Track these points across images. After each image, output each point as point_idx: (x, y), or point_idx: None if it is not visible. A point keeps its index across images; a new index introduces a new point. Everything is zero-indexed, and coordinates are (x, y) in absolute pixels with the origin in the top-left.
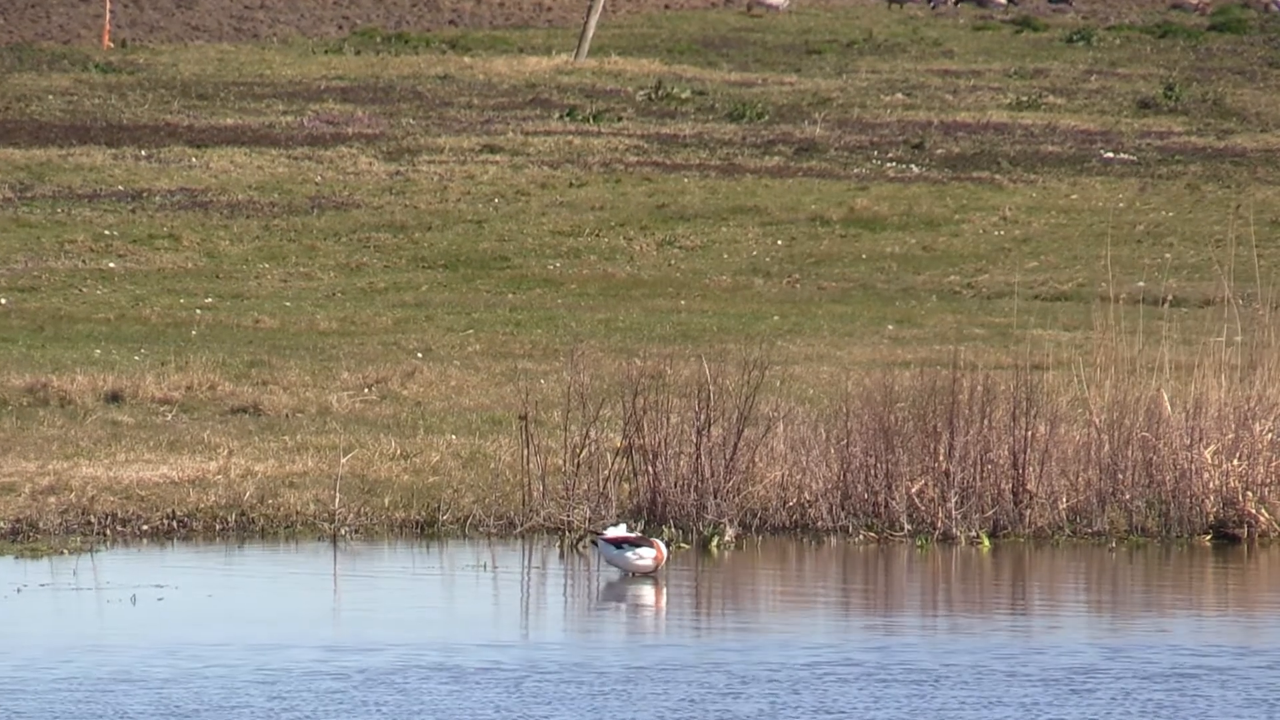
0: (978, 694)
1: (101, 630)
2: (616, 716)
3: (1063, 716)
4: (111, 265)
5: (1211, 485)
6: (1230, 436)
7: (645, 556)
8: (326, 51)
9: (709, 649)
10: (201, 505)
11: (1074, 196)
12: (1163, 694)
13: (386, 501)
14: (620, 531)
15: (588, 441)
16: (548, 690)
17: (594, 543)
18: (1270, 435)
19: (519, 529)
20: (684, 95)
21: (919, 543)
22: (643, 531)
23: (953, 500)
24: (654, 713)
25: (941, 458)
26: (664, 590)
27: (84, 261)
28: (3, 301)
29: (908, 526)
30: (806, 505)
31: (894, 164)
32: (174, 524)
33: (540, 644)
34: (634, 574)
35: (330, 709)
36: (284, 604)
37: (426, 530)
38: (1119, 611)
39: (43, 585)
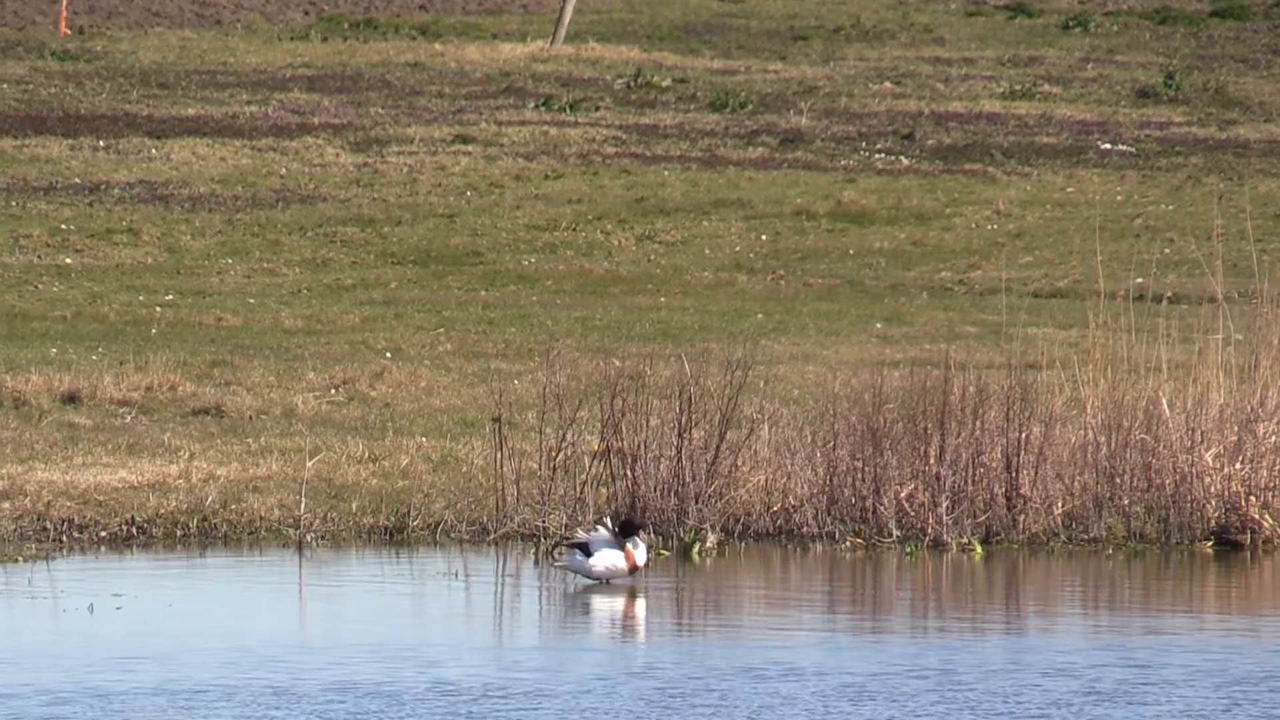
0: (971, 703)
1: (58, 641)
2: None
3: None
4: (68, 261)
5: (1213, 490)
6: (1232, 439)
7: (598, 564)
8: (292, 38)
9: (689, 658)
10: (162, 511)
11: (1070, 189)
12: (1163, 705)
13: (354, 506)
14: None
15: (564, 444)
16: (524, 703)
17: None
18: (1274, 437)
19: (492, 535)
20: (664, 84)
21: (908, 549)
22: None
23: (943, 505)
24: None
25: (932, 461)
26: (643, 598)
27: (39, 257)
28: None
29: (896, 532)
30: (791, 510)
31: (883, 155)
32: (133, 530)
33: (513, 655)
34: (603, 581)
35: None
36: (247, 613)
37: (396, 537)
38: (1116, 621)
39: None
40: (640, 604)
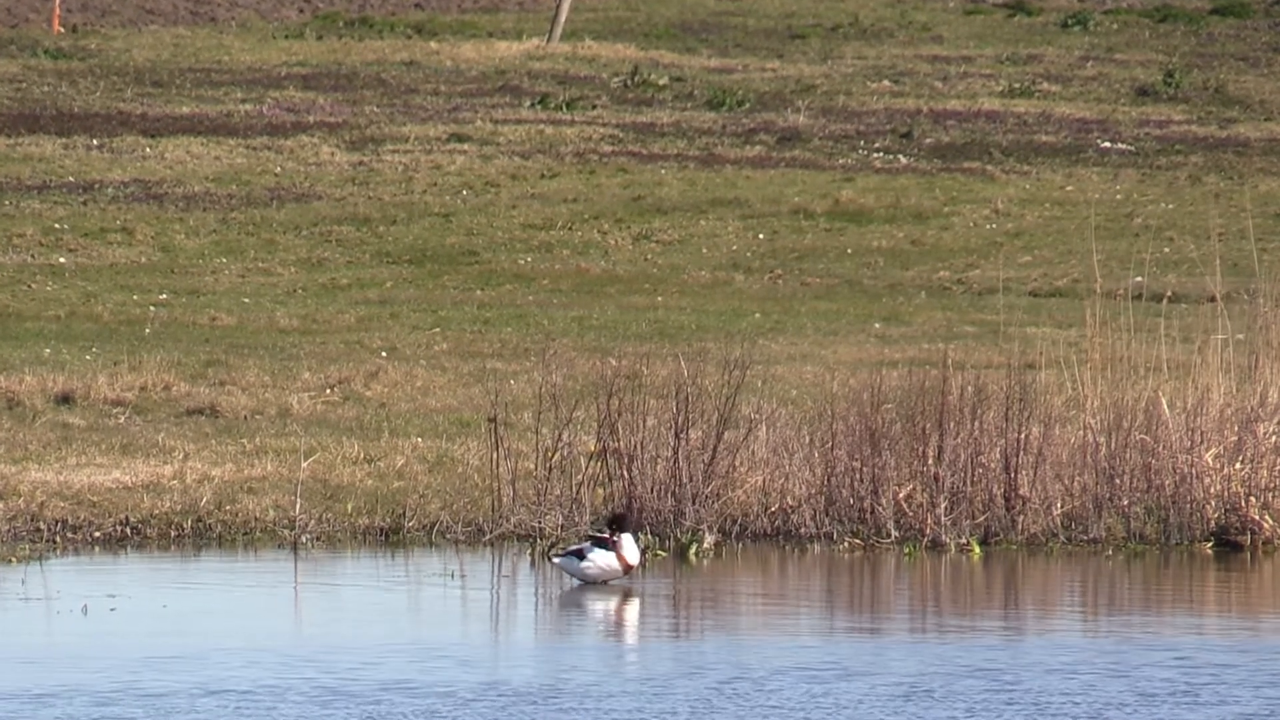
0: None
1: (51, 642)
2: None
3: None
4: (62, 260)
5: (1213, 490)
6: (1232, 439)
7: (592, 565)
8: (287, 36)
9: (687, 661)
10: (156, 511)
11: (1069, 188)
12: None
13: (349, 507)
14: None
15: (560, 445)
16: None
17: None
18: (1274, 438)
19: (488, 536)
20: (661, 82)
21: (907, 550)
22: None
23: (942, 506)
24: None
25: (930, 461)
26: (651, 600)
27: (33, 256)
28: None
29: (895, 533)
30: (789, 511)
31: (881, 154)
32: (127, 531)
33: (510, 660)
34: (598, 582)
35: None
36: (242, 615)
37: (391, 538)
38: (1115, 622)
39: None
40: (649, 605)
